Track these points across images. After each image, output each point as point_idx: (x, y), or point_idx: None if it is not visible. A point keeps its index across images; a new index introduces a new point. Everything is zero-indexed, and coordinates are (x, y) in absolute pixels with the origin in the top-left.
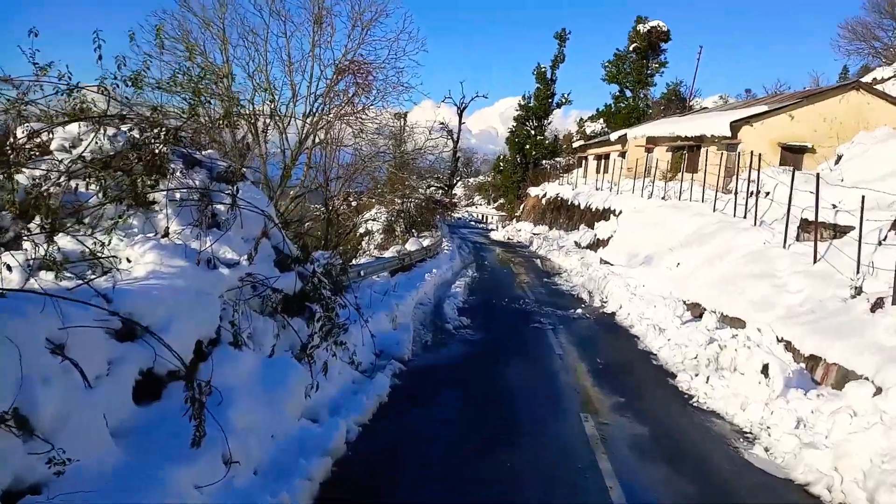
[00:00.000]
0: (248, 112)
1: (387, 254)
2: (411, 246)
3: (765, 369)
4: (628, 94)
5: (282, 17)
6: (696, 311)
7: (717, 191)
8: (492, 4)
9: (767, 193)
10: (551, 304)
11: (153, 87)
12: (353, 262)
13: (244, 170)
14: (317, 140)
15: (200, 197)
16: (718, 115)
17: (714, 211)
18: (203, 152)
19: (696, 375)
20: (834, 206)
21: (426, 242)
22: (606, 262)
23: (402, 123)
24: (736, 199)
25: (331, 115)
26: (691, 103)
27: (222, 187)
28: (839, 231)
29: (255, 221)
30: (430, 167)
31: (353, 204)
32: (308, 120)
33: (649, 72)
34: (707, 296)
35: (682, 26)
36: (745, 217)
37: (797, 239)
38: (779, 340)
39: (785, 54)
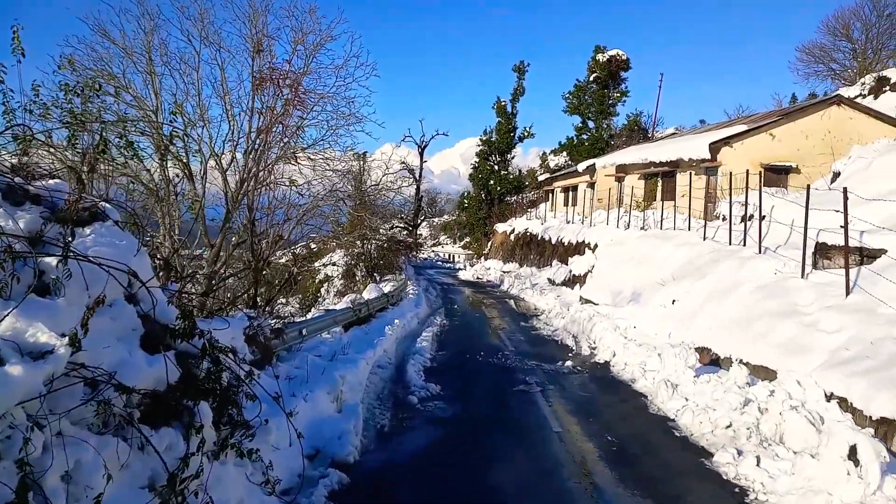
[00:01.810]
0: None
1: (339, 304)
2: (370, 293)
3: (852, 452)
4: (591, 124)
5: (214, 44)
6: (707, 356)
7: (704, 218)
8: (447, 44)
9: (763, 217)
10: (534, 356)
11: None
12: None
13: (102, 204)
14: (261, 180)
15: (5, 248)
16: (695, 138)
17: (704, 239)
18: (46, 181)
19: (740, 454)
20: (842, 227)
21: (387, 288)
22: (588, 301)
23: (362, 163)
24: (731, 224)
25: (274, 150)
26: (655, 132)
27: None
28: (867, 255)
29: (115, 279)
30: (393, 208)
31: (291, 248)
32: (250, 157)
33: (611, 101)
34: (719, 339)
35: (641, 56)
36: (743, 244)
37: (814, 266)
38: (829, 397)
39: (743, 81)
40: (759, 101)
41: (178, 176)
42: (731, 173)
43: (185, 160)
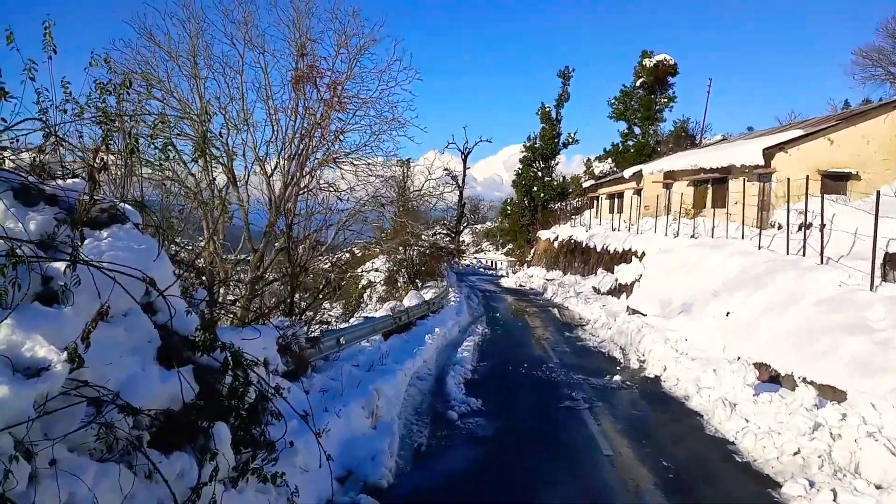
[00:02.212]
0: (224, 151)
1: (379, 312)
2: (410, 300)
3: None
4: (637, 130)
5: (258, 48)
6: (766, 373)
7: (758, 226)
8: (491, 50)
9: (823, 226)
10: (580, 369)
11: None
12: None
13: (122, 205)
14: (303, 185)
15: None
16: (747, 143)
17: (759, 248)
18: (66, 181)
19: (812, 486)
20: None
21: (428, 295)
22: (636, 311)
23: (405, 169)
24: (788, 233)
25: (318, 155)
26: (703, 139)
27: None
28: None
29: (134, 288)
30: (435, 214)
31: (329, 255)
32: (294, 162)
33: (658, 107)
34: (779, 355)
35: (689, 61)
36: (802, 254)
37: (884, 279)
38: None
39: (796, 86)
40: (812, 107)
41: (222, 180)
42: (787, 179)
43: (228, 164)
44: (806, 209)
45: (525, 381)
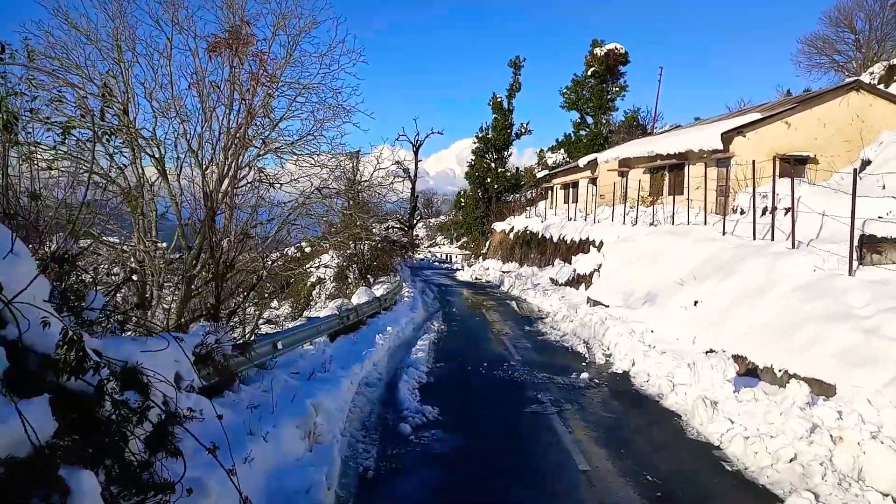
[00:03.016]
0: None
1: (324, 311)
2: (359, 297)
3: None
4: (589, 120)
5: (188, 31)
6: (743, 366)
7: (718, 212)
8: (440, 41)
9: (793, 209)
10: (544, 366)
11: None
12: (283, 324)
13: None
14: (241, 177)
15: None
16: (705, 128)
17: (724, 234)
18: None
19: (818, 500)
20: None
21: (380, 291)
22: (597, 303)
23: (355, 162)
24: (755, 217)
25: (256, 145)
26: (654, 128)
27: None
28: None
29: None
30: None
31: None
32: (230, 152)
33: (609, 96)
34: (755, 346)
35: (638, 51)
36: (770, 238)
37: (861, 262)
38: None
39: (743, 75)
40: (761, 95)
41: (151, 173)
42: (753, 161)
43: (158, 155)
44: (774, 192)
45: (486, 382)
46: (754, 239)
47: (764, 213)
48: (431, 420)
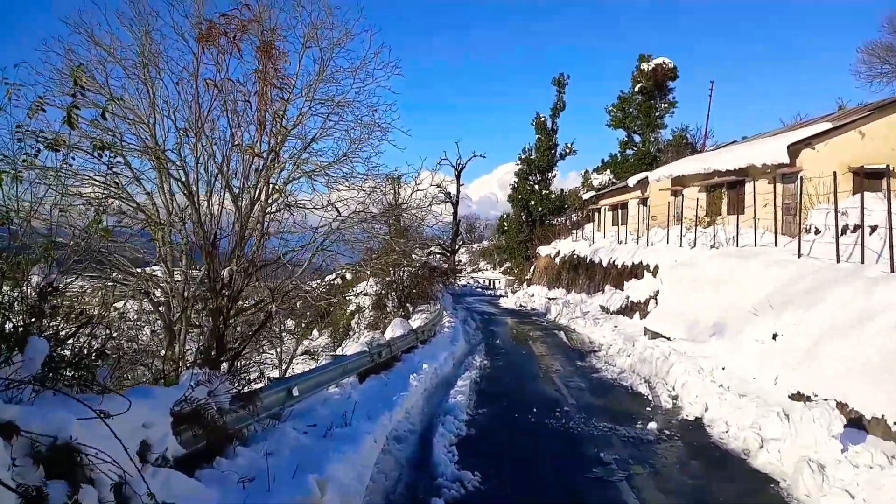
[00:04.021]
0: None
1: (350, 348)
2: (394, 330)
3: None
4: (637, 138)
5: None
6: (845, 414)
7: (784, 232)
8: (480, 66)
9: (874, 228)
10: (603, 412)
11: None
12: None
13: None
14: (271, 201)
15: None
16: (768, 141)
17: (799, 256)
18: None
19: None
20: None
21: (418, 322)
22: (657, 334)
23: (396, 187)
24: (838, 237)
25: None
26: (705, 146)
27: None
28: None
29: None
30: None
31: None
32: (261, 174)
33: (658, 113)
34: (858, 391)
35: (689, 65)
36: (860, 261)
37: None
38: None
39: (799, 88)
40: (819, 109)
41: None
42: (835, 174)
43: (184, 179)
44: (862, 207)
45: (536, 435)
46: (838, 262)
47: (844, 232)
48: (472, 491)
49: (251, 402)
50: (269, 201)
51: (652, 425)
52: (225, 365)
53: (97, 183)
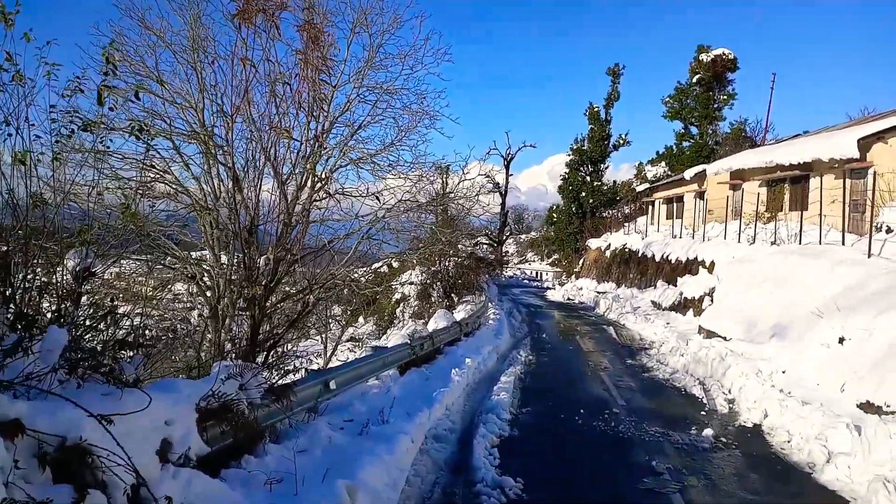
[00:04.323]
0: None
1: (392, 340)
2: (437, 322)
3: None
4: (694, 131)
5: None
6: None
7: (851, 230)
8: (536, 53)
9: None
10: (655, 416)
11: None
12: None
13: None
14: (317, 188)
15: None
16: (834, 135)
17: (869, 256)
18: None
19: None
20: None
21: (461, 314)
22: (712, 333)
23: (445, 177)
24: None
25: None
26: (765, 140)
27: None
28: None
29: None
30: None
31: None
32: (308, 160)
33: (717, 105)
34: None
35: (748, 56)
36: None
37: None
38: None
39: (867, 79)
40: (889, 102)
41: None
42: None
43: (230, 164)
44: None
45: (583, 439)
46: None
47: None
48: (513, 499)
49: (285, 397)
50: (316, 188)
51: (707, 432)
52: (262, 356)
53: (141, 166)
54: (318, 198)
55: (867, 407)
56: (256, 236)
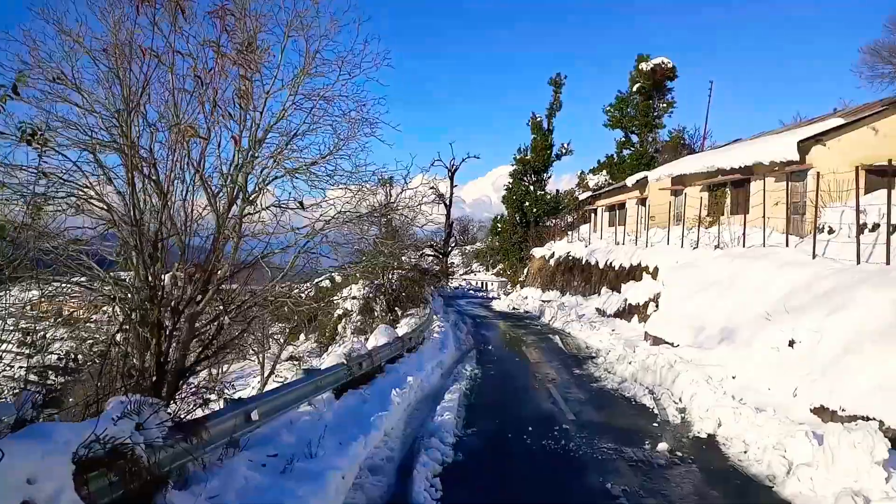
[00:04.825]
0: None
1: (328, 360)
2: (377, 338)
3: None
4: (634, 139)
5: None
6: (884, 433)
7: (800, 231)
8: (478, 66)
9: (876, 225)
10: (606, 430)
11: None
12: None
13: None
14: (251, 199)
15: None
16: (773, 139)
17: (814, 257)
18: None
19: None
20: None
21: (404, 329)
22: (659, 340)
23: (389, 188)
24: (858, 236)
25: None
26: (703, 148)
27: None
28: None
29: None
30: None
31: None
32: (239, 172)
33: (656, 113)
34: (893, 408)
35: (686, 66)
36: (885, 262)
37: None
38: None
39: (799, 88)
40: (819, 109)
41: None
42: (857, 169)
43: (155, 177)
44: (889, 205)
45: (533, 459)
46: (858, 262)
47: (861, 232)
48: None
49: (195, 434)
50: (249, 199)
51: (662, 446)
52: (173, 387)
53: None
54: (250, 211)
55: (821, 412)
56: (163, 252)
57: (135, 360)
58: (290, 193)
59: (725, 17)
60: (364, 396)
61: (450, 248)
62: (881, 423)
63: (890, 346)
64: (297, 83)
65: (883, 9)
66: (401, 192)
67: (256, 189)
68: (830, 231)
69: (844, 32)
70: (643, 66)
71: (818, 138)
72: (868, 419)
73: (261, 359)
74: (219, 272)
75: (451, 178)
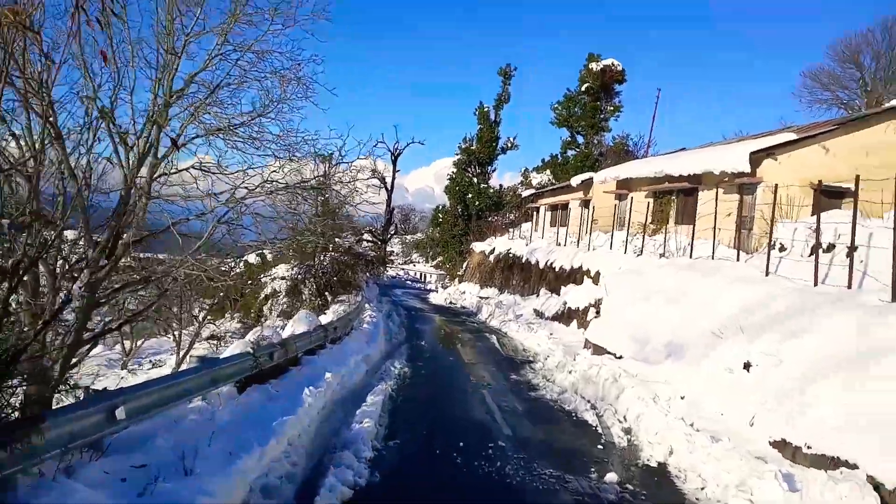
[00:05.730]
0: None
1: (231, 349)
2: (296, 325)
3: None
4: (580, 140)
5: None
6: (851, 475)
7: (739, 246)
8: (422, 51)
9: (832, 246)
10: (547, 452)
11: None
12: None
13: None
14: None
15: None
16: (724, 149)
17: (767, 275)
18: None
19: None
20: None
21: (328, 317)
22: (601, 349)
23: (328, 166)
24: (817, 255)
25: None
26: (647, 156)
27: None
28: None
29: None
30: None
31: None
32: (153, 123)
33: (603, 115)
34: (870, 452)
35: (634, 72)
36: (846, 285)
37: None
38: None
39: (742, 105)
40: (761, 128)
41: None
42: (820, 182)
43: (50, 116)
44: (854, 224)
45: (463, 487)
46: (816, 284)
47: (813, 252)
48: None
49: (20, 439)
50: (163, 156)
51: (610, 476)
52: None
53: None
54: (165, 171)
55: (782, 446)
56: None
57: None
58: (215, 158)
59: (674, 30)
60: (271, 393)
61: (389, 235)
62: (853, 465)
63: (857, 380)
64: (225, 30)
65: (824, 36)
66: (335, 165)
67: (172, 147)
68: (782, 248)
69: (787, 54)
70: (593, 65)
71: (770, 151)
72: (840, 461)
73: (177, 336)
74: (124, 235)
75: (395, 163)
